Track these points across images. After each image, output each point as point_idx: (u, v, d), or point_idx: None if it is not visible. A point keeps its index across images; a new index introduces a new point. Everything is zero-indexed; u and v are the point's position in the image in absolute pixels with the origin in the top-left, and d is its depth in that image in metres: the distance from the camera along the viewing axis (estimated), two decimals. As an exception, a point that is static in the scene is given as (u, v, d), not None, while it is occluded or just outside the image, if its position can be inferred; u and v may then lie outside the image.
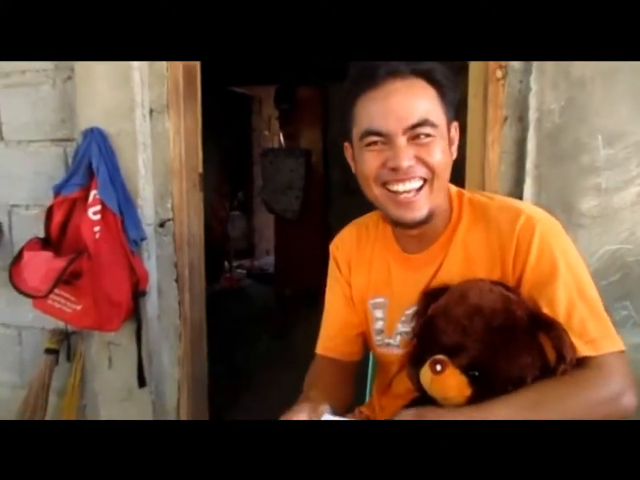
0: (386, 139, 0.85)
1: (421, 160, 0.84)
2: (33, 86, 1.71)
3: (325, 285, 1.11)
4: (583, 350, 0.78)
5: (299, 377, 1.09)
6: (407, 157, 0.83)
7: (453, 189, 0.96)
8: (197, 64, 1.62)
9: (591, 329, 0.80)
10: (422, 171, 0.85)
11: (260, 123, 6.25)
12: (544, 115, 1.29)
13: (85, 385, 1.78)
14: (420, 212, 0.87)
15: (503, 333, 0.78)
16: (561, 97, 1.28)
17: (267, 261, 5.75)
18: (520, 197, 1.32)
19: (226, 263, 5.13)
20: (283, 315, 3.90)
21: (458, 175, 1.42)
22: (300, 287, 4.02)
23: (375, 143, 0.86)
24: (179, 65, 1.57)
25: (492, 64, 1.32)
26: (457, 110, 0.90)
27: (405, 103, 0.84)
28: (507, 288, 0.83)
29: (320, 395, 0.94)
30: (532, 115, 1.29)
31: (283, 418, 0.81)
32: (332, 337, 1.08)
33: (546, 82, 1.28)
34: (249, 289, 5.01)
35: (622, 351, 0.81)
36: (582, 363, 0.78)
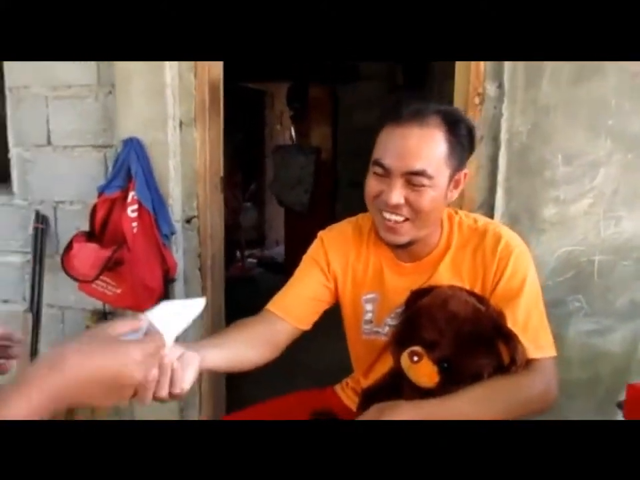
0: (387, 173, 1.00)
1: (409, 202, 1.00)
2: (78, 99, 1.96)
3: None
4: (534, 353, 1.00)
5: (304, 356, 1.27)
6: (397, 197, 0.99)
7: (445, 210, 1.12)
8: (221, 82, 1.87)
9: (541, 337, 1.03)
10: (407, 211, 1.01)
11: (272, 118, 6.48)
12: (513, 136, 1.53)
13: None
14: (401, 238, 1.04)
15: (470, 338, 0.97)
16: (528, 122, 1.51)
17: (277, 250, 5.98)
18: (492, 205, 1.57)
19: (238, 253, 5.38)
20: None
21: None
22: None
23: (379, 172, 1.02)
24: (205, 84, 1.82)
25: (472, 92, 1.56)
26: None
27: (412, 151, 0.97)
28: (480, 300, 1.02)
29: (208, 343, 1.02)
30: (503, 136, 1.53)
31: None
32: (292, 302, 1.16)
33: (516, 109, 1.52)
34: (259, 277, 5.24)
35: (554, 357, 1.04)
36: (529, 362, 0.99)
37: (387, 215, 1.03)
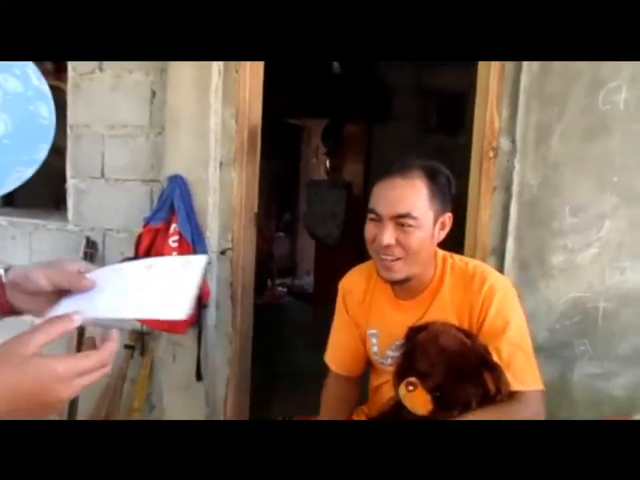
0: (379, 218, 1.16)
1: (399, 242, 1.15)
2: (131, 137, 2.18)
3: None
4: (516, 386, 1.11)
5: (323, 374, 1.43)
6: (388, 238, 1.14)
7: (440, 253, 1.27)
8: (259, 128, 2.06)
9: (524, 373, 1.14)
10: (399, 251, 1.16)
11: (308, 152, 6.70)
12: (524, 188, 1.65)
13: (153, 376, 2.21)
14: (397, 274, 1.18)
15: (458, 370, 1.09)
16: (538, 175, 1.63)
17: (307, 280, 6.10)
18: (503, 251, 1.68)
19: (269, 281, 5.53)
20: (319, 330, 4.26)
21: (461, 229, 1.80)
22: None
23: (373, 219, 1.18)
24: (244, 129, 2.01)
25: (486, 146, 1.69)
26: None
27: (397, 197, 1.14)
28: (468, 335, 1.14)
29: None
30: (515, 188, 1.66)
31: None
32: (338, 356, 1.41)
33: (527, 163, 1.64)
34: (289, 305, 5.37)
35: (542, 390, 1.15)
36: (513, 395, 1.11)
37: (383, 256, 1.18)
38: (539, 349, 1.62)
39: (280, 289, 5.78)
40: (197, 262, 0.65)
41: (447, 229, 1.22)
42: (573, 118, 1.59)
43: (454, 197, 1.22)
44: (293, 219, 6.50)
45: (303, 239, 6.43)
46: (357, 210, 4.66)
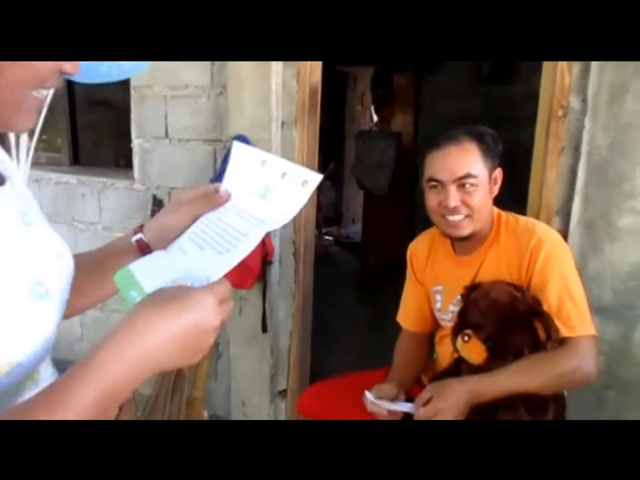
0: (441, 185, 1.26)
1: (464, 202, 1.25)
2: (192, 98, 2.22)
3: (406, 255, 1.54)
4: (565, 332, 1.19)
5: (379, 337, 1.52)
6: (454, 200, 1.24)
7: (495, 210, 1.35)
8: (319, 87, 2.06)
9: (573, 319, 1.20)
10: (465, 210, 1.26)
11: (353, 99, 6.60)
12: (594, 148, 1.62)
13: (220, 328, 2.33)
14: (463, 231, 1.28)
15: (509, 319, 1.18)
16: (609, 136, 1.60)
17: (353, 229, 6.17)
18: (569, 212, 1.68)
19: (316, 230, 5.57)
20: (367, 281, 4.35)
21: (523, 190, 1.79)
22: (384, 256, 4.41)
23: (435, 186, 1.28)
24: (306, 88, 2.02)
25: (555, 105, 1.66)
26: (500, 157, 1.31)
27: (455, 162, 1.24)
28: (517, 289, 1.21)
29: (398, 374, 1.40)
30: (584, 148, 1.63)
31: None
32: (407, 314, 1.54)
33: (598, 123, 1.61)
34: (336, 255, 5.47)
35: (593, 335, 1.21)
36: (563, 341, 1.18)
37: (450, 217, 1.27)
38: (603, 310, 1.66)
39: (327, 238, 5.86)
40: (314, 180, 0.70)
41: (499, 183, 1.31)
42: (649, 76, 1.54)
43: (505, 154, 1.31)
44: (338, 168, 6.50)
45: (348, 188, 6.45)
46: (407, 160, 4.61)
